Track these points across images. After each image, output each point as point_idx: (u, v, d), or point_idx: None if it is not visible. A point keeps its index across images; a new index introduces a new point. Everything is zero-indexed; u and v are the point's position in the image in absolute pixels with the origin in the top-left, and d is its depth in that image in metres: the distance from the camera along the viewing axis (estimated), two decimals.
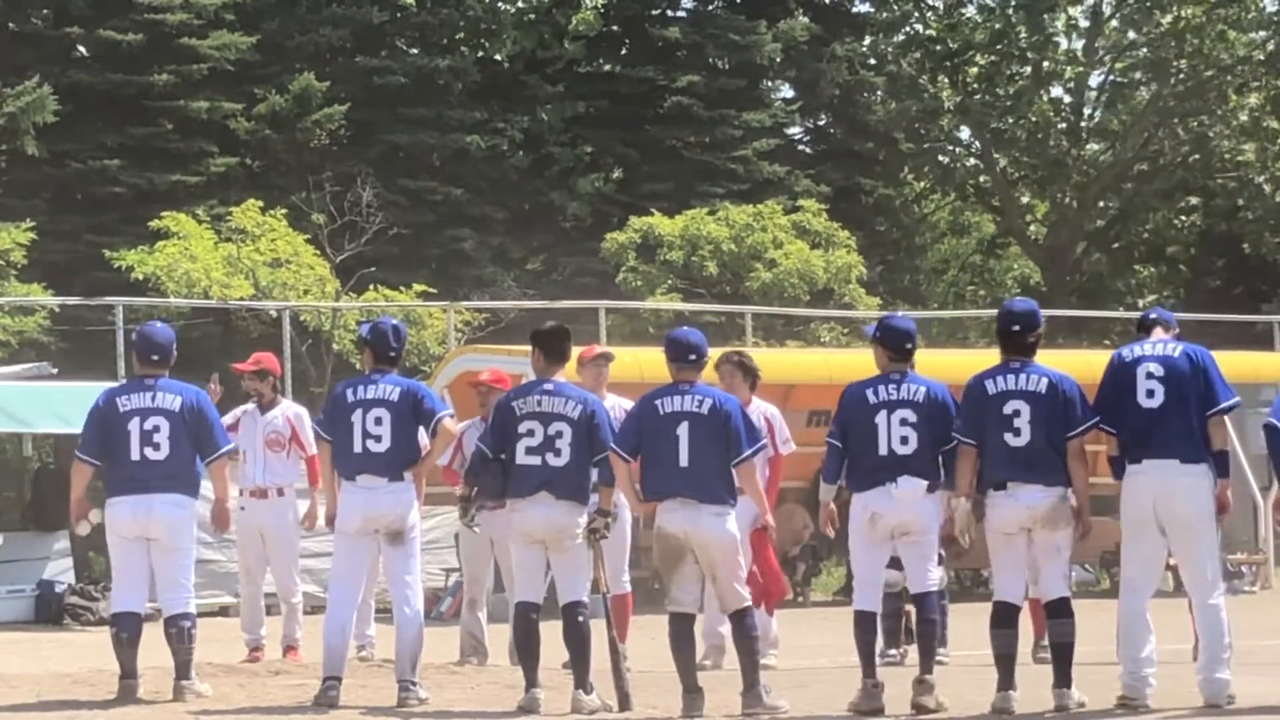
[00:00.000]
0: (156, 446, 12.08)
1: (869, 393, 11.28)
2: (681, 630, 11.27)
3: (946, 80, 44.82)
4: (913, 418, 11.14)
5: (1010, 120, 44.03)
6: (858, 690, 11.20)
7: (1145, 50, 45.01)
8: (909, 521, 11.20)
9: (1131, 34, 45.62)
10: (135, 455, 12.10)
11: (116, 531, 12.32)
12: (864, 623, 11.22)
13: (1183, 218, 45.67)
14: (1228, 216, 44.04)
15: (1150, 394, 11.11)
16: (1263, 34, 44.09)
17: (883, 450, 11.15)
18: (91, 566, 26.15)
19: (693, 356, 11.37)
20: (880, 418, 11.15)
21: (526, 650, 11.53)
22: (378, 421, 11.83)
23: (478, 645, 14.76)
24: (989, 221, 49.76)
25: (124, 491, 12.20)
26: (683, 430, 11.11)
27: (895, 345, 11.44)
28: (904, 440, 11.13)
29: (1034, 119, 43.72)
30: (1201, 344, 11.60)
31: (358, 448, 11.82)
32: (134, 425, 12.12)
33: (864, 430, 11.20)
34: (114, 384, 23.50)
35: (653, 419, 11.21)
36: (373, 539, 11.95)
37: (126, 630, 12.21)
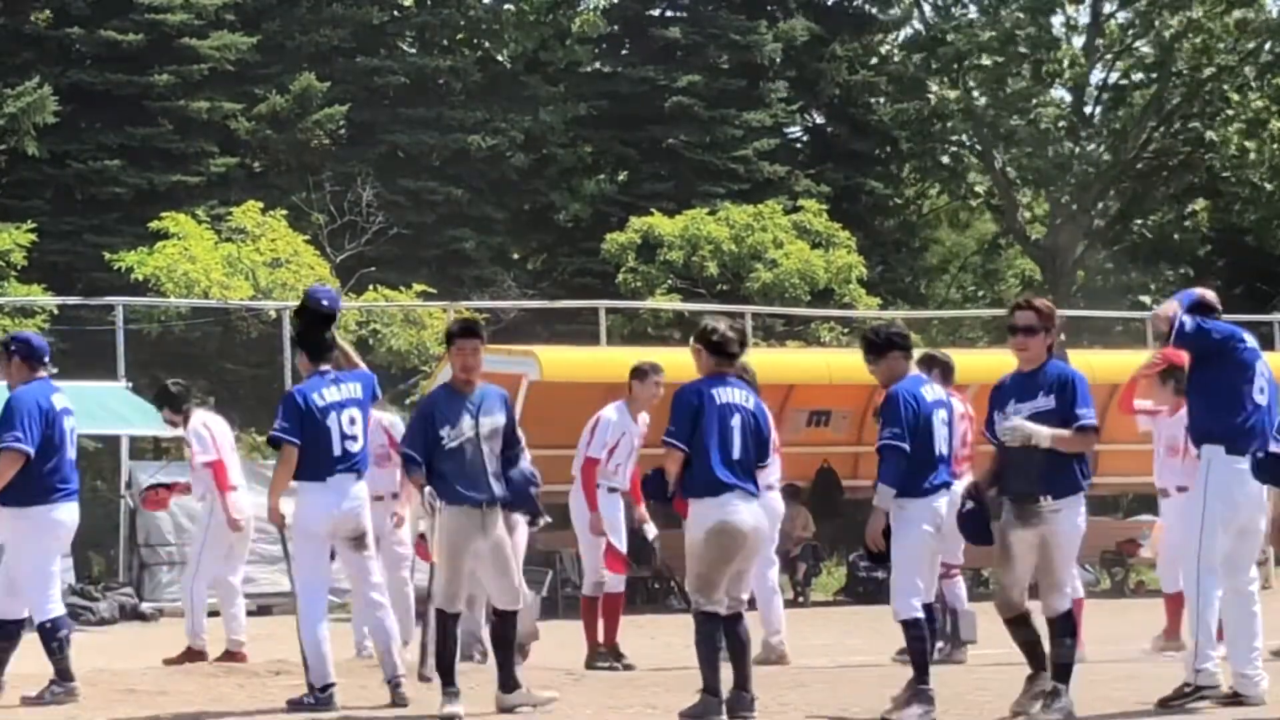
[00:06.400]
0: (73, 444, 12.30)
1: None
2: (712, 631, 11.06)
3: (949, 81, 44.85)
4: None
5: (1017, 120, 44.07)
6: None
7: (1149, 49, 45.03)
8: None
9: (1133, 33, 45.67)
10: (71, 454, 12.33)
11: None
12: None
13: (1188, 221, 45.70)
14: (1231, 215, 44.09)
15: (1262, 390, 11.16)
16: (1266, 36, 44.16)
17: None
18: (91, 566, 26.17)
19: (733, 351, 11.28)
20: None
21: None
22: (352, 421, 11.85)
23: (476, 644, 14.74)
24: (989, 222, 49.81)
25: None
26: (736, 423, 11.04)
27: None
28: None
29: (1044, 121, 43.77)
30: None
31: (337, 450, 11.79)
32: (70, 424, 12.29)
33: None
34: (113, 383, 23.65)
35: (711, 407, 10.98)
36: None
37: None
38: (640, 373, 14.76)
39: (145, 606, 22.40)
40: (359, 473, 11.90)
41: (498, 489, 11.26)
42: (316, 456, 11.69)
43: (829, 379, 24.48)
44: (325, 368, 11.88)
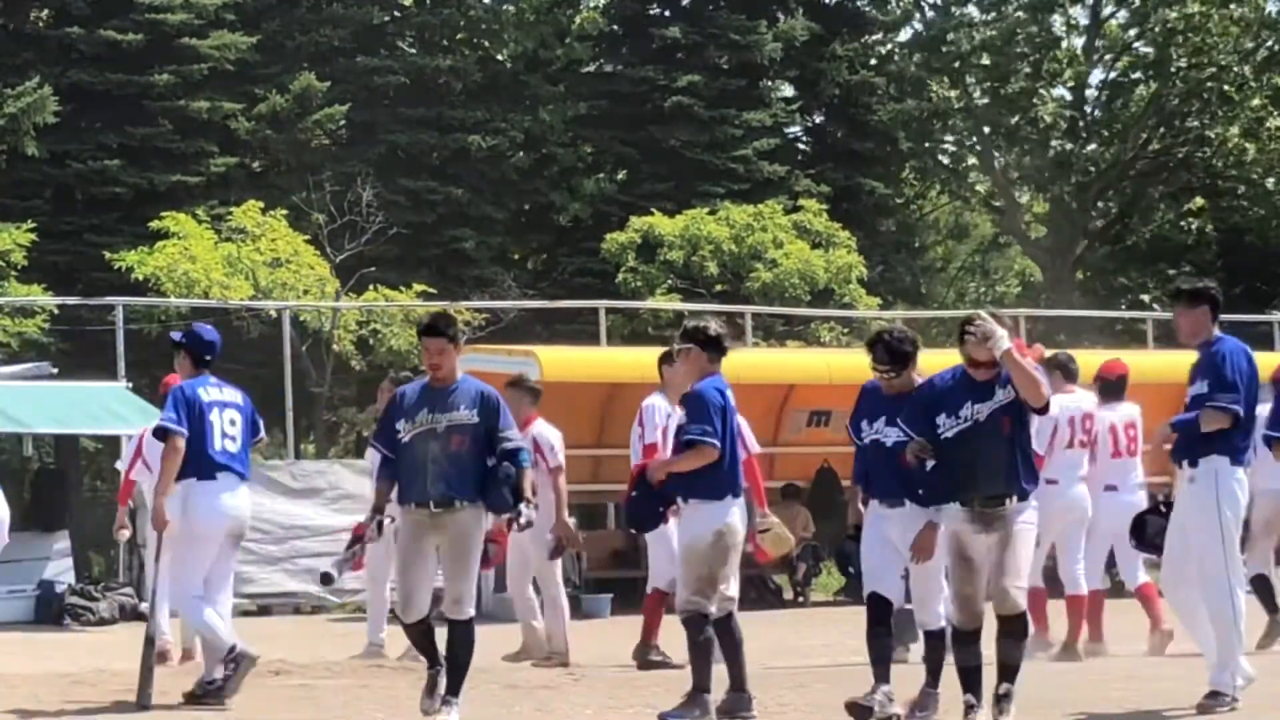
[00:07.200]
0: None
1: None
2: (707, 630, 11.02)
3: (949, 80, 44.87)
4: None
5: (1019, 118, 44.10)
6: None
7: (1148, 48, 45.07)
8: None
9: (1133, 31, 45.72)
10: None
11: None
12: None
13: (1188, 220, 45.73)
14: (1231, 215, 44.13)
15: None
16: (1266, 33, 44.21)
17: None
18: (91, 566, 26.17)
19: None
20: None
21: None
22: (231, 423, 11.95)
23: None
24: (988, 222, 49.80)
25: None
26: (735, 426, 11.07)
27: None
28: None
29: (1047, 118, 43.80)
30: None
31: (217, 446, 11.89)
32: None
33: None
34: (114, 383, 23.65)
35: (729, 409, 10.94)
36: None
37: None
38: (670, 357, 14.74)
39: (145, 606, 22.37)
40: (241, 476, 11.95)
41: (439, 490, 10.62)
42: (200, 452, 11.75)
43: (829, 379, 24.45)
44: (203, 372, 12.09)
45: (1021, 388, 10.18)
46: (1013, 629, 10.33)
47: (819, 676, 13.37)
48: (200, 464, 11.73)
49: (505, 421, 10.78)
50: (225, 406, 11.92)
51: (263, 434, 12.33)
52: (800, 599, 24.42)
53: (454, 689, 10.65)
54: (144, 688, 11.79)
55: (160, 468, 12.05)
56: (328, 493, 22.93)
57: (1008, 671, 10.31)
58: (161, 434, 11.84)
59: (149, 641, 11.87)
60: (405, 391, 10.97)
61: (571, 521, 15.11)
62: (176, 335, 12.33)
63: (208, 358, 12.11)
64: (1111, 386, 15.36)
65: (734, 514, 10.95)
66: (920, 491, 10.60)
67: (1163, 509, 11.57)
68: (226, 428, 11.85)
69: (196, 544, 11.83)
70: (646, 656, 14.33)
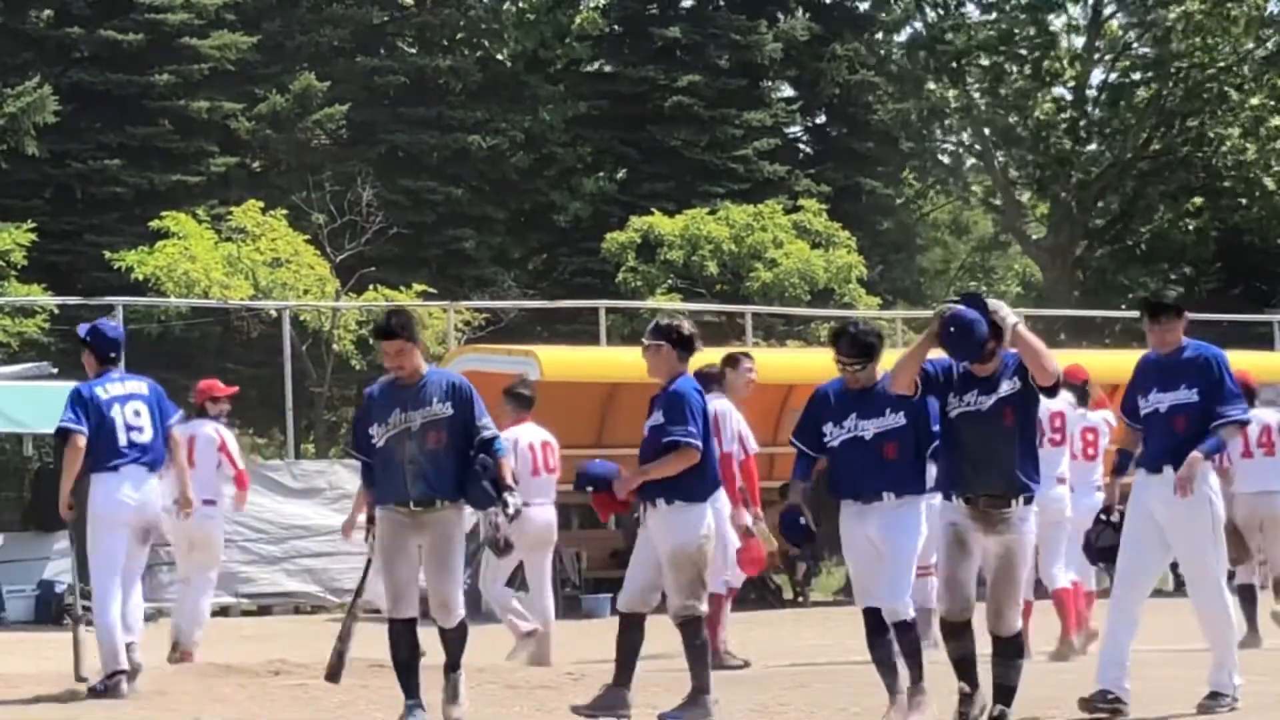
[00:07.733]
0: None
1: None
2: (704, 632, 10.96)
3: (949, 80, 44.91)
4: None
5: (1016, 118, 44.13)
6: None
7: (1148, 49, 45.09)
8: None
9: (1133, 32, 45.76)
10: None
11: None
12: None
13: (1187, 220, 45.75)
14: (1231, 214, 44.15)
15: None
16: (1267, 31, 44.23)
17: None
18: None
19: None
20: None
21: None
22: (136, 414, 12.05)
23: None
24: (988, 222, 49.79)
25: None
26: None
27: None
28: None
29: (1041, 117, 43.84)
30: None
31: (123, 440, 12.00)
32: None
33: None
34: None
35: (707, 409, 10.94)
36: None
37: None
38: (733, 360, 14.58)
39: (146, 607, 22.36)
40: (150, 467, 12.07)
41: (419, 489, 10.30)
42: (104, 446, 11.89)
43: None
44: (109, 368, 12.16)
45: (1030, 364, 9.95)
46: (1007, 650, 10.07)
47: (819, 676, 13.37)
48: (101, 458, 11.91)
49: (479, 411, 10.50)
50: (128, 400, 12.02)
51: (178, 412, 12.48)
52: (800, 599, 24.43)
53: (454, 665, 10.54)
54: (77, 666, 12.15)
55: (64, 465, 12.12)
56: (328, 493, 22.93)
57: (1003, 694, 10.04)
58: (62, 435, 12.03)
59: (74, 622, 12.30)
60: (373, 393, 10.63)
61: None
62: (82, 330, 12.36)
63: (112, 355, 12.18)
64: (1073, 392, 15.33)
65: (711, 515, 10.93)
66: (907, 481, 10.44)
67: (1103, 517, 11.45)
68: (131, 419, 11.98)
69: (100, 534, 12.01)
70: (720, 663, 14.15)
